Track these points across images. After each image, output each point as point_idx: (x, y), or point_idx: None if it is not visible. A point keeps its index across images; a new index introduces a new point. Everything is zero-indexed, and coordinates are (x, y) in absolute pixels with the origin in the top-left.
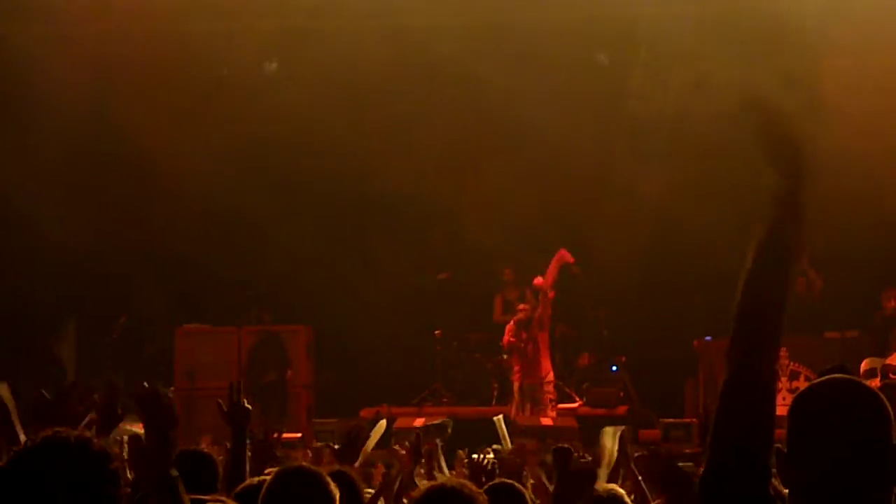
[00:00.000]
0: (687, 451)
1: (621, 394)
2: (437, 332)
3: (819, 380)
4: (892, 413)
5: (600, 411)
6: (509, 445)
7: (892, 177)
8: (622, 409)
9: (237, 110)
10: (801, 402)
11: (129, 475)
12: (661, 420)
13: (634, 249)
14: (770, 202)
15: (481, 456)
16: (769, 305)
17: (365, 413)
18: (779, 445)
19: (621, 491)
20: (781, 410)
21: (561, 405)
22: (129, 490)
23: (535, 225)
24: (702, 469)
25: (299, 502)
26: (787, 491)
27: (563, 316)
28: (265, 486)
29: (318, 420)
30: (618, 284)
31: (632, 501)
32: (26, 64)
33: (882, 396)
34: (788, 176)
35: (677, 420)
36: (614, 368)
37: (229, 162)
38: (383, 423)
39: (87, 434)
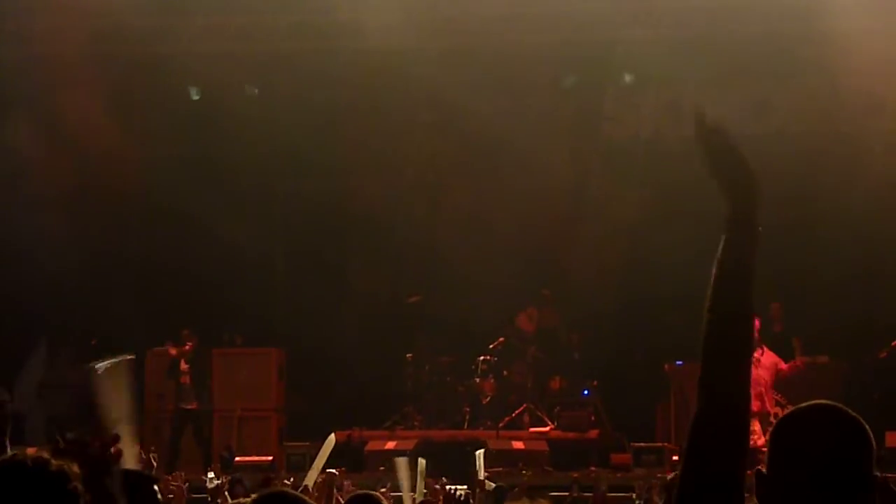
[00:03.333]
0: None
1: (592, 417)
2: (408, 355)
3: (803, 405)
4: (872, 440)
5: (572, 435)
6: (482, 476)
7: (870, 199)
8: (593, 433)
9: (212, 132)
10: (784, 425)
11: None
12: (632, 444)
13: (607, 273)
14: (725, 226)
15: (454, 489)
16: (734, 328)
17: (337, 436)
18: (760, 467)
19: None
20: (754, 438)
21: (532, 429)
22: None
23: (509, 247)
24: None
25: None
26: None
27: (535, 339)
28: None
29: (289, 443)
30: (590, 308)
31: None
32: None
33: (863, 423)
34: (741, 198)
35: (648, 444)
36: (586, 392)
37: (203, 183)
38: (332, 438)
39: (45, 455)
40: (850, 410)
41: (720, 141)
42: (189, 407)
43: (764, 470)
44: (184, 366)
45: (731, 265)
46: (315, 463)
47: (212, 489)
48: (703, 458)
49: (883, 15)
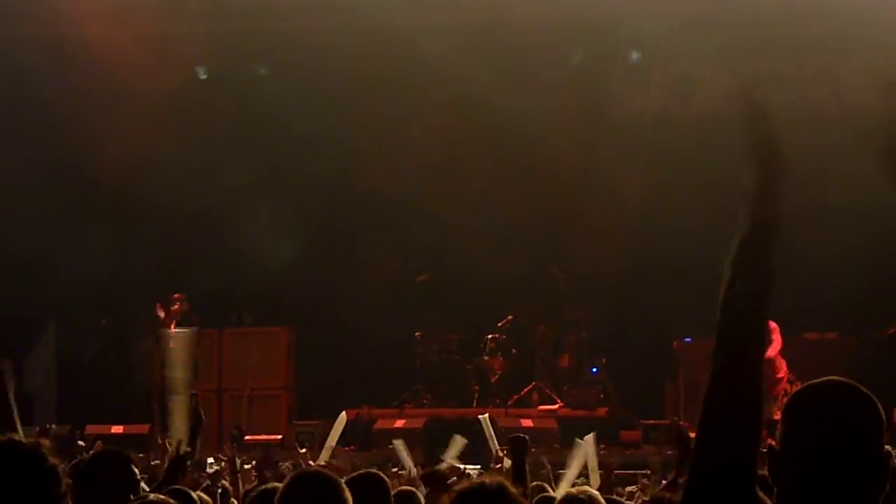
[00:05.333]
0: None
1: (601, 395)
2: (417, 333)
3: (815, 381)
4: (883, 416)
5: (580, 413)
6: (496, 446)
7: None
8: (602, 411)
9: (221, 111)
10: (797, 401)
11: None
12: (641, 421)
13: (615, 250)
14: (748, 200)
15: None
16: (752, 305)
17: (346, 415)
18: (772, 442)
19: (595, 492)
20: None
21: (541, 407)
22: (68, 486)
23: (517, 225)
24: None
25: None
26: (775, 489)
27: (543, 317)
28: (281, 490)
29: (298, 422)
30: (598, 285)
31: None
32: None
33: (875, 399)
34: (767, 174)
35: (657, 421)
36: (594, 370)
37: (212, 161)
38: (343, 416)
39: (16, 436)
40: (861, 386)
41: (764, 132)
42: (172, 374)
43: (776, 445)
44: (173, 330)
45: (752, 241)
46: (327, 442)
47: (212, 474)
48: (715, 436)
49: None
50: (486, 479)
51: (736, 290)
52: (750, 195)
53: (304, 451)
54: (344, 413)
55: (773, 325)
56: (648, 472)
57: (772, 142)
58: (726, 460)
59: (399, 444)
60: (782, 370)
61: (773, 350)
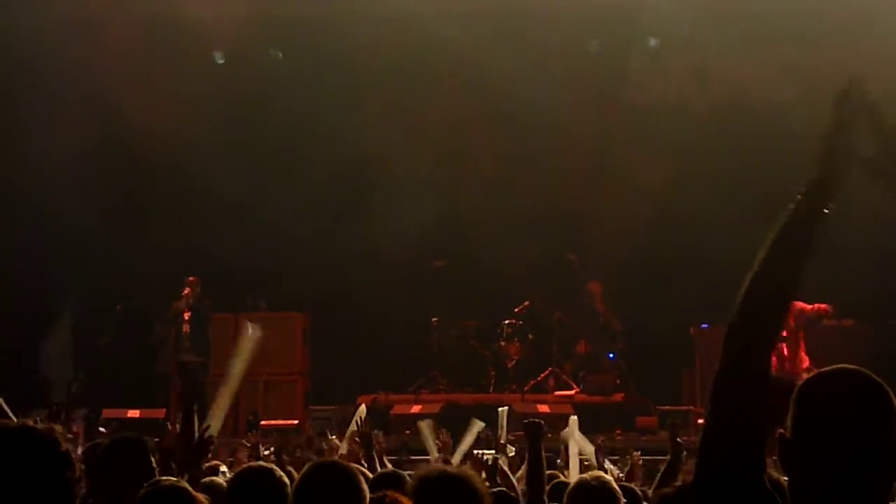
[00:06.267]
0: None
1: (618, 381)
2: (434, 319)
3: (827, 368)
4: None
5: (596, 399)
6: (505, 435)
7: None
8: (619, 397)
9: (237, 95)
10: (809, 389)
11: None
12: (657, 408)
13: (631, 237)
14: (801, 195)
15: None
16: (777, 299)
17: (362, 400)
18: (783, 431)
19: (608, 477)
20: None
21: (557, 392)
22: (81, 472)
23: (534, 211)
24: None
25: (331, 496)
26: (786, 478)
27: (560, 303)
28: (297, 479)
29: (314, 407)
30: (615, 272)
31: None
32: (25, 48)
33: (887, 388)
34: (834, 163)
35: (673, 407)
36: (611, 356)
37: (227, 146)
38: (363, 408)
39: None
40: (874, 375)
41: (853, 115)
42: (186, 359)
43: (787, 434)
44: (186, 314)
45: (791, 236)
46: (347, 432)
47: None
48: (724, 420)
49: None
50: (450, 469)
51: (769, 270)
52: (811, 179)
53: (333, 437)
54: (364, 406)
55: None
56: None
57: (851, 133)
58: (734, 451)
59: (424, 427)
60: (806, 361)
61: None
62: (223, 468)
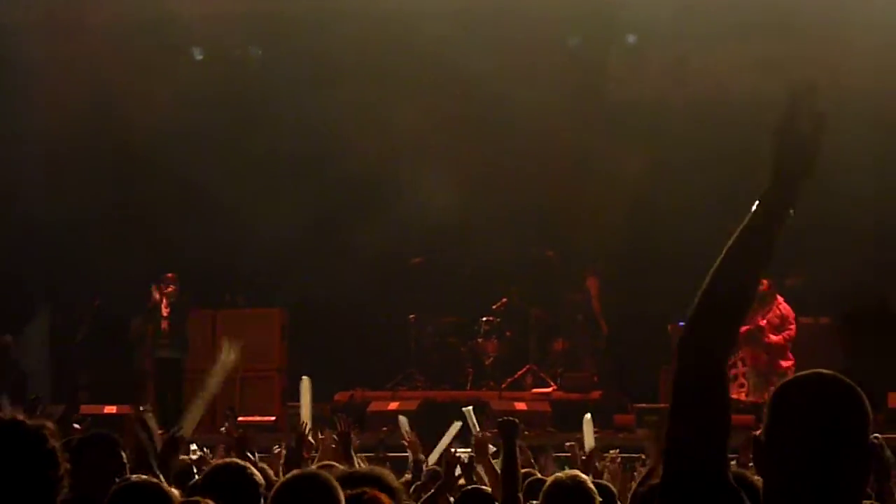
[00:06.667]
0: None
1: (595, 378)
2: (411, 316)
3: (801, 373)
4: (870, 410)
5: (574, 396)
6: (477, 430)
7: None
8: (596, 394)
9: (214, 93)
10: (783, 393)
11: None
12: (634, 405)
13: (610, 234)
14: (763, 193)
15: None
16: (734, 300)
17: (339, 397)
18: (757, 434)
19: (584, 476)
20: (756, 397)
21: (535, 389)
22: (66, 470)
23: (512, 208)
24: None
25: None
26: (760, 479)
27: (538, 300)
28: (274, 489)
29: (292, 404)
30: (594, 269)
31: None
32: (1, 46)
33: (861, 392)
34: (790, 174)
35: (651, 405)
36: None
37: (204, 143)
38: (306, 380)
39: (20, 416)
40: (847, 379)
41: (801, 121)
42: (163, 356)
43: (761, 437)
44: (165, 310)
45: (751, 236)
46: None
47: (196, 460)
48: (683, 421)
49: None
50: (364, 467)
51: (728, 271)
52: (769, 182)
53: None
54: (307, 379)
55: (789, 311)
56: (643, 456)
57: (807, 140)
58: (696, 449)
59: (403, 421)
60: (790, 360)
61: (783, 337)
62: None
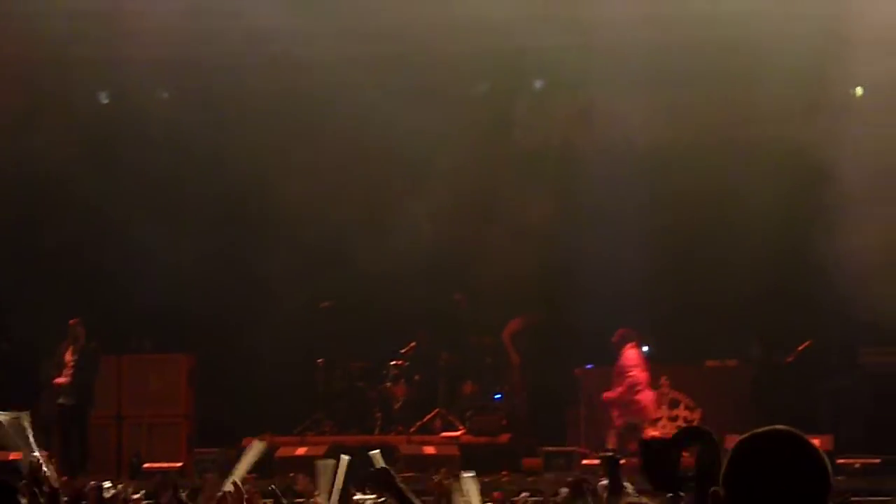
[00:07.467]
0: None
1: (504, 422)
2: (319, 360)
3: (761, 430)
4: (830, 470)
5: (483, 439)
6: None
7: (781, 206)
8: (505, 437)
9: (125, 135)
10: (744, 449)
11: None
12: (542, 448)
13: (518, 278)
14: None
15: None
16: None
17: (246, 443)
18: (717, 488)
19: None
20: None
21: (443, 433)
22: None
23: (421, 252)
24: None
25: None
26: None
27: (446, 344)
28: None
29: (199, 450)
30: (502, 311)
31: None
32: None
33: (822, 453)
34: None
35: (559, 448)
36: (497, 396)
37: (115, 183)
38: (258, 444)
39: None
40: (804, 435)
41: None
42: (65, 402)
43: (720, 492)
44: (69, 357)
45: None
46: (239, 469)
47: (109, 498)
48: None
49: (792, 23)
50: None
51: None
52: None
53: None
54: (257, 442)
55: (632, 360)
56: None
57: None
58: None
59: (323, 466)
60: (620, 415)
61: (615, 393)
62: None
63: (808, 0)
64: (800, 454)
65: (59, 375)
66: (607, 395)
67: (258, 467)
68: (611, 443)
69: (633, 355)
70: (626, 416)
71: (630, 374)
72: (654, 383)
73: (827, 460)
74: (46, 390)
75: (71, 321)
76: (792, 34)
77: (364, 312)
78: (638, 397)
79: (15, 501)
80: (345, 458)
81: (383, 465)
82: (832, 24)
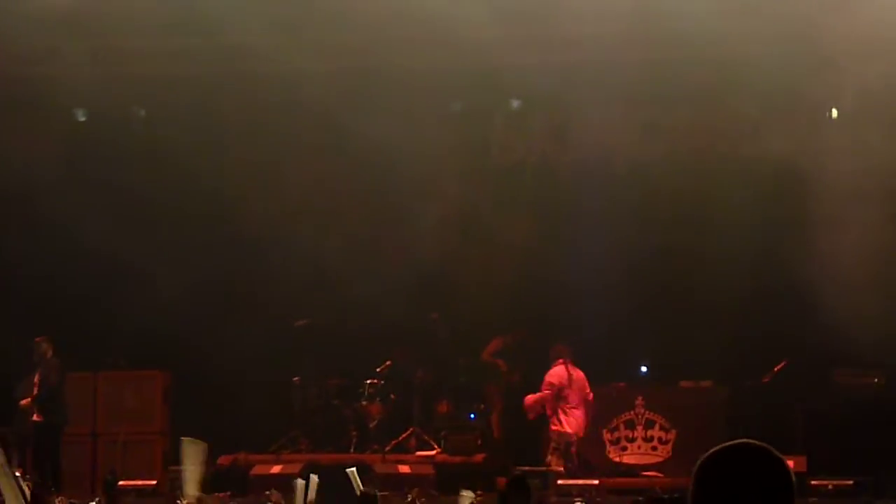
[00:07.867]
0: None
1: (479, 441)
2: (295, 378)
3: (728, 444)
4: (794, 482)
5: (458, 459)
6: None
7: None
8: (479, 457)
9: (101, 151)
10: (710, 464)
11: None
12: (517, 468)
13: (496, 296)
14: None
15: None
16: None
17: (222, 460)
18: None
19: None
20: (637, 459)
21: (419, 452)
22: None
23: (398, 271)
24: None
25: None
26: None
27: (422, 362)
28: None
29: (174, 468)
30: (478, 331)
31: None
32: None
33: (788, 466)
34: None
35: (533, 468)
36: (473, 416)
37: (92, 200)
38: (188, 442)
39: None
40: (773, 449)
41: None
42: (37, 420)
43: None
44: (37, 374)
45: None
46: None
47: None
48: None
49: (765, 42)
50: None
51: None
52: None
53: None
54: (190, 443)
55: (554, 376)
56: None
57: None
58: None
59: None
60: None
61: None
62: None
63: (783, 19)
64: (764, 466)
65: (30, 392)
66: (528, 398)
67: (234, 484)
68: (552, 462)
69: (557, 372)
70: (559, 431)
71: (545, 389)
72: (628, 404)
73: (791, 471)
74: (18, 413)
75: (37, 338)
76: (767, 53)
77: (340, 330)
78: (566, 415)
79: None
80: (314, 477)
81: (365, 490)
82: (808, 43)
